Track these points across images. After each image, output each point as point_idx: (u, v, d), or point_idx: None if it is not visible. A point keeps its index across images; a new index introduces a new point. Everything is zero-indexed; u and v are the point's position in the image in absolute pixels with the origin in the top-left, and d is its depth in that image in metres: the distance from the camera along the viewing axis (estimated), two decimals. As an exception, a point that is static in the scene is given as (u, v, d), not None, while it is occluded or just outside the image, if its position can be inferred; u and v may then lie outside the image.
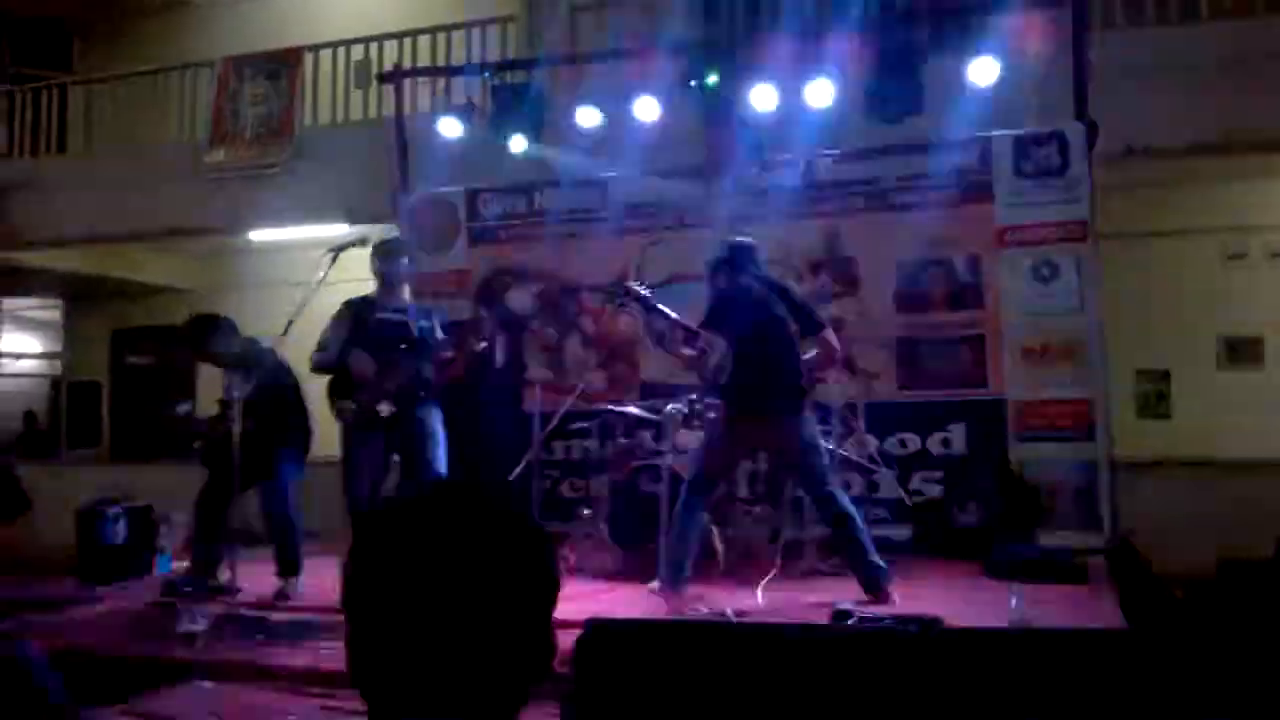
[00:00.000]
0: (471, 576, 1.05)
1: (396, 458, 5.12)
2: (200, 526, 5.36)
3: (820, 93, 6.66)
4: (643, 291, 5.11)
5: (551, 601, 1.14)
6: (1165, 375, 8.63)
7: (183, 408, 5.50)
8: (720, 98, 6.98)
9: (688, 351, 4.89)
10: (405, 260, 5.27)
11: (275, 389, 5.10)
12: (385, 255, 5.14)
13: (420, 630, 1.03)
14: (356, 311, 5.11)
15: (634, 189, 7.22)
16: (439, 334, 5.11)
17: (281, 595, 5.07)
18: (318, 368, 5.06)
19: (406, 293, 5.26)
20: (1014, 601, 3.99)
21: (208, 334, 5.29)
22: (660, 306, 5.05)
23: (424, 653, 1.03)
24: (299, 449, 5.32)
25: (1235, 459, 7.20)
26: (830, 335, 4.80)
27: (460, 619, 1.03)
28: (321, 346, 5.07)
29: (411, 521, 1.09)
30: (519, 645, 1.07)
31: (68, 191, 9.98)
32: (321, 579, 5.42)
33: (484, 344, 5.12)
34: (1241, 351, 8.54)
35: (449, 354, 5.02)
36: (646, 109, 7.08)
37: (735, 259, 4.87)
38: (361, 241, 5.10)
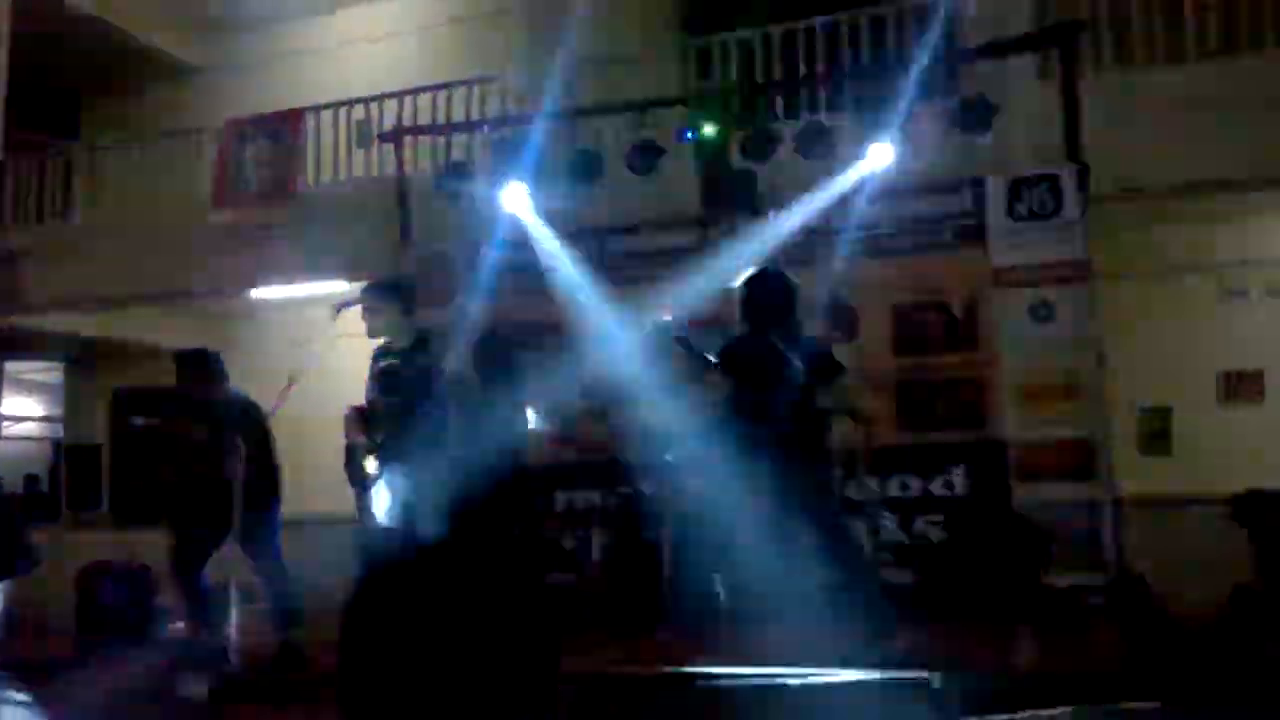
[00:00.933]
0: (475, 633, 1.04)
1: None
2: (185, 590, 5.33)
3: (814, 141, 6.74)
4: (678, 331, 5.13)
5: (555, 656, 1.13)
6: (1166, 412, 8.61)
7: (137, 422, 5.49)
8: (715, 149, 7.07)
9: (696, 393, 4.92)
10: (390, 299, 5.04)
11: (261, 440, 5.14)
12: (367, 293, 5.08)
13: (420, 689, 1.02)
14: (373, 361, 5.07)
15: (630, 239, 7.27)
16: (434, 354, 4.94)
17: (283, 654, 5.02)
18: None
19: (405, 330, 5.09)
20: (1023, 644, 3.95)
21: (198, 364, 5.33)
22: (695, 347, 5.06)
23: (425, 711, 1.02)
24: (277, 502, 5.32)
25: (1237, 494, 7.14)
26: (847, 383, 4.80)
27: (461, 676, 1.03)
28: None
29: (415, 578, 1.09)
30: (522, 701, 1.06)
31: (72, 256, 10.08)
32: (321, 638, 5.39)
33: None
34: (1242, 387, 8.53)
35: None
36: (643, 161, 7.16)
37: (754, 306, 4.85)
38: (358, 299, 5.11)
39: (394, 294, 5.14)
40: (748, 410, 4.67)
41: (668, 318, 5.35)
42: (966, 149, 6.77)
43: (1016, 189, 6.45)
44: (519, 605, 1.11)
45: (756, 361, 4.65)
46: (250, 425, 4.94)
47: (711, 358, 4.95)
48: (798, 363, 4.62)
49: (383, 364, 4.98)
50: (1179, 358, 8.37)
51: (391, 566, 1.18)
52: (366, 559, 4.69)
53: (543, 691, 1.10)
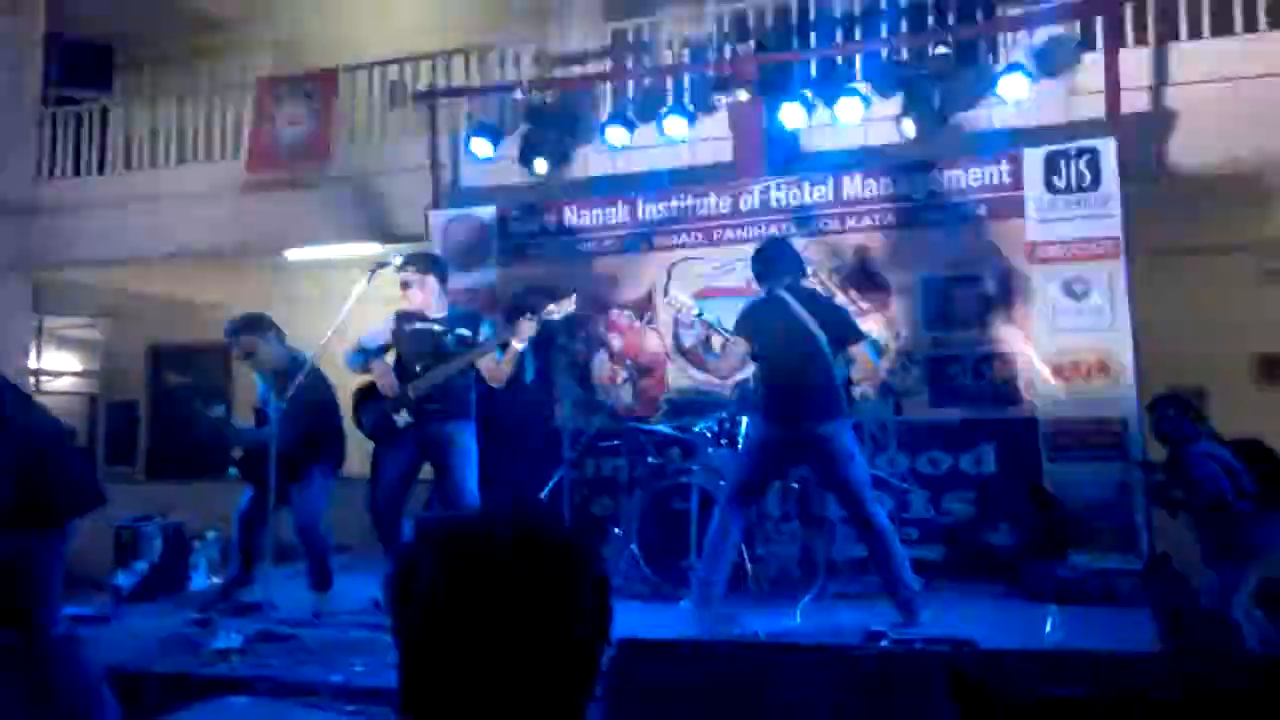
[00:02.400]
0: (526, 604, 1.04)
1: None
2: (243, 541, 5.40)
3: (849, 109, 6.67)
4: (685, 300, 5.14)
5: (604, 626, 1.14)
6: (1200, 393, 8.52)
7: (216, 410, 5.49)
8: (750, 114, 7.01)
9: (714, 361, 4.92)
10: (429, 269, 5.16)
11: (312, 402, 5.14)
12: (407, 265, 5.14)
13: (474, 656, 1.03)
14: (399, 322, 5.14)
15: (663, 205, 7.26)
16: (484, 336, 5.00)
17: (316, 612, 5.10)
18: (352, 367, 5.11)
19: (439, 301, 5.15)
20: (1049, 623, 3.95)
21: (257, 329, 5.36)
22: (711, 321, 5.08)
23: (477, 679, 1.03)
24: (331, 464, 5.35)
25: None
26: (866, 348, 4.78)
27: (513, 645, 1.03)
28: (356, 346, 5.11)
29: (468, 547, 1.09)
30: (570, 670, 1.07)
31: (108, 211, 10.15)
32: (355, 595, 5.47)
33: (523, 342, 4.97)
34: (1277, 369, 8.42)
35: (499, 360, 4.92)
36: (675, 126, 7.13)
37: (767, 265, 4.84)
38: (397, 260, 5.15)
39: (435, 265, 5.21)
40: (767, 376, 4.66)
41: (682, 297, 5.33)
42: (1004, 120, 6.68)
43: (1054, 162, 6.36)
44: (571, 576, 1.10)
45: (773, 323, 4.64)
46: (297, 388, 4.95)
47: (721, 325, 4.95)
48: (814, 324, 4.59)
49: (418, 325, 5.04)
50: (1214, 338, 8.27)
51: (449, 531, 1.16)
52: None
53: (586, 663, 1.10)
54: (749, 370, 4.97)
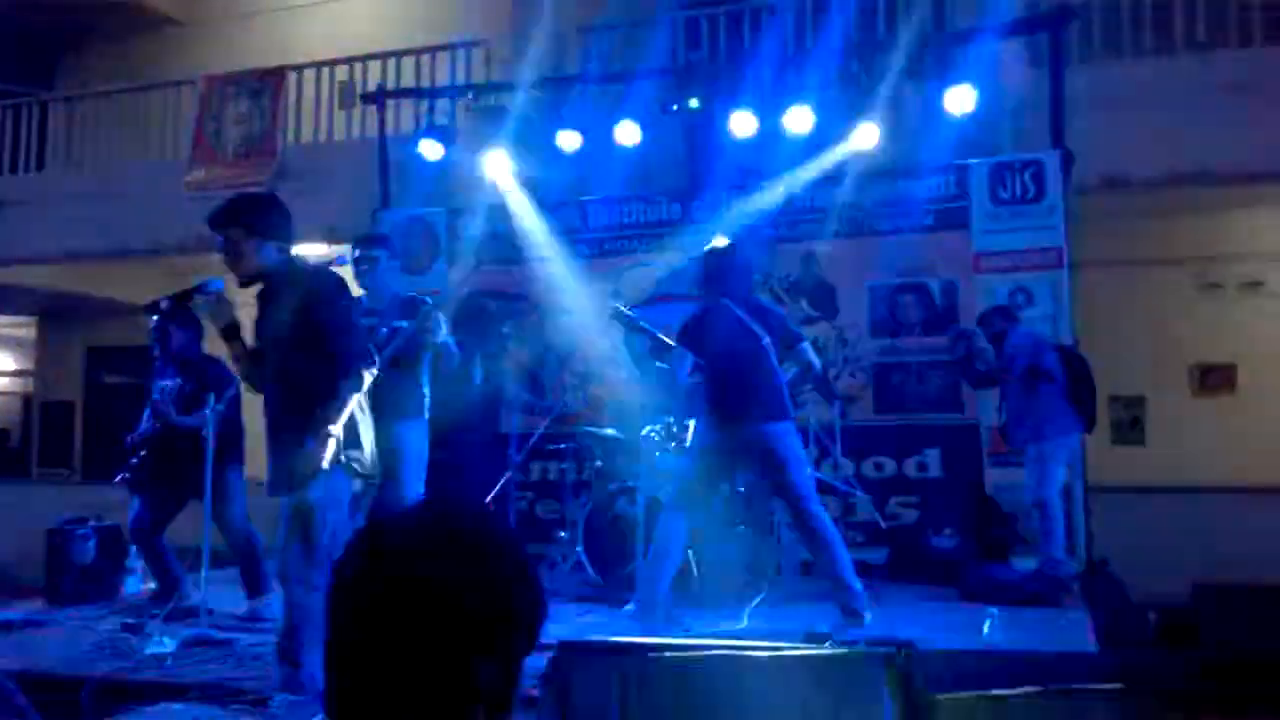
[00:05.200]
0: (444, 591, 1.02)
1: None
2: (147, 556, 5.32)
3: (799, 119, 6.72)
4: (628, 312, 5.11)
5: (536, 624, 1.12)
6: (1140, 401, 8.72)
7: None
8: (701, 122, 7.04)
9: (661, 366, 4.91)
10: (366, 244, 5.00)
11: (232, 403, 5.11)
12: (363, 245, 5.02)
13: (392, 647, 1.01)
14: None
15: (614, 211, 7.26)
16: (423, 322, 4.80)
17: (253, 616, 5.00)
18: None
19: (372, 280, 4.94)
20: (988, 625, 4.00)
21: (176, 315, 5.20)
22: (644, 324, 5.06)
23: (396, 671, 1.01)
24: (242, 463, 5.27)
25: (1209, 484, 7.26)
26: (807, 348, 4.81)
27: (440, 644, 1.01)
28: None
29: (400, 541, 1.07)
30: (500, 672, 1.05)
31: (46, 208, 9.93)
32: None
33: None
34: (1215, 379, 8.64)
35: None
36: (627, 132, 7.13)
37: (712, 273, 4.86)
38: (340, 262, 5.06)
39: (387, 245, 5.10)
40: (713, 381, 4.67)
41: (617, 304, 5.32)
42: (950, 132, 6.77)
43: (999, 173, 6.46)
44: (504, 571, 1.08)
45: (717, 330, 4.65)
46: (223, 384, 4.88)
47: (664, 337, 4.94)
48: (758, 329, 4.63)
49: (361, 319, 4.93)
50: (1154, 348, 8.47)
51: (383, 526, 1.14)
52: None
53: (510, 666, 1.08)
54: (695, 377, 4.97)
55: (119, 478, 5.35)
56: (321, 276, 3.78)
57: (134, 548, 5.52)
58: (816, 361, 4.84)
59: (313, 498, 3.44)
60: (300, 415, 3.46)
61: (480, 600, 1.04)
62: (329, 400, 3.43)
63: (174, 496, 5.22)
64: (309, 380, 3.49)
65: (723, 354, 4.62)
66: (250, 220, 3.72)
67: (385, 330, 4.77)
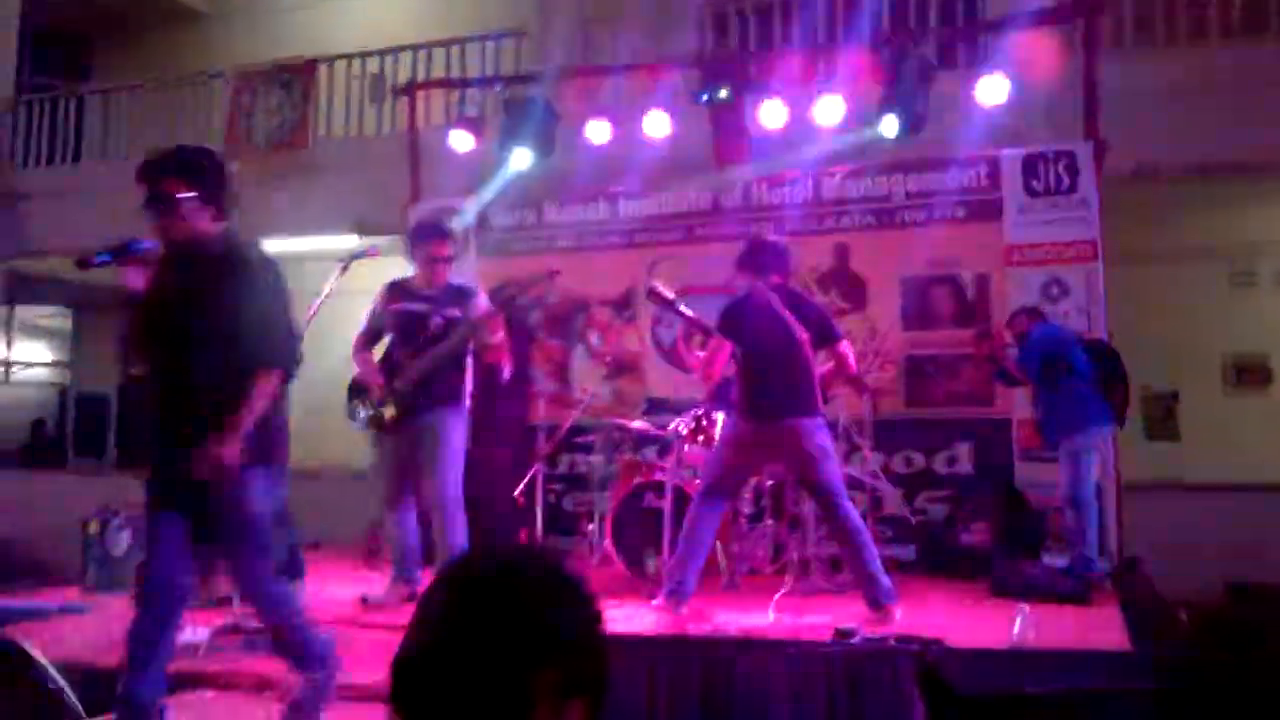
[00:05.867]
0: (516, 634, 1.10)
1: None
2: None
3: (829, 109, 6.68)
4: (664, 290, 5.09)
5: (597, 661, 1.17)
6: (1174, 396, 8.61)
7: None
8: (730, 112, 7.01)
9: (698, 353, 4.88)
10: (446, 240, 5.00)
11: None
12: (419, 236, 5.04)
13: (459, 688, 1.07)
14: (388, 300, 5.02)
15: (643, 203, 7.25)
16: (479, 311, 4.82)
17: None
18: (353, 355, 5.01)
19: (446, 274, 4.97)
20: (1018, 622, 3.96)
21: None
22: (682, 307, 5.04)
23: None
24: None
25: (1243, 481, 7.16)
26: (846, 348, 4.78)
27: (500, 675, 1.07)
28: (358, 335, 5.02)
29: (468, 582, 1.16)
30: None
31: (82, 200, 10.05)
32: (328, 590, 5.43)
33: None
34: (1249, 373, 8.52)
35: (494, 335, 4.79)
36: (656, 123, 7.11)
37: (757, 259, 4.83)
38: (370, 252, 5.08)
39: (454, 237, 5.11)
40: (747, 373, 4.65)
41: (655, 282, 5.26)
42: (982, 122, 6.70)
43: (1033, 164, 6.39)
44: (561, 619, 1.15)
45: (755, 320, 4.63)
46: None
47: (699, 318, 4.92)
48: (795, 322, 4.59)
49: (406, 306, 4.93)
50: (1187, 342, 8.36)
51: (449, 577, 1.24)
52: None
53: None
54: (729, 369, 4.95)
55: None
56: (266, 261, 3.30)
57: None
58: (853, 361, 4.82)
59: (238, 499, 3.18)
60: (209, 413, 3.07)
61: (549, 652, 1.11)
62: (244, 399, 3.06)
63: None
64: (223, 375, 3.08)
65: (759, 345, 4.59)
66: (194, 175, 3.27)
67: (439, 319, 4.81)
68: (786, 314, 4.59)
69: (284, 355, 3.21)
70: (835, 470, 4.61)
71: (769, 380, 4.57)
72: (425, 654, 1.12)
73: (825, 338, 4.70)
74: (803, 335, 4.58)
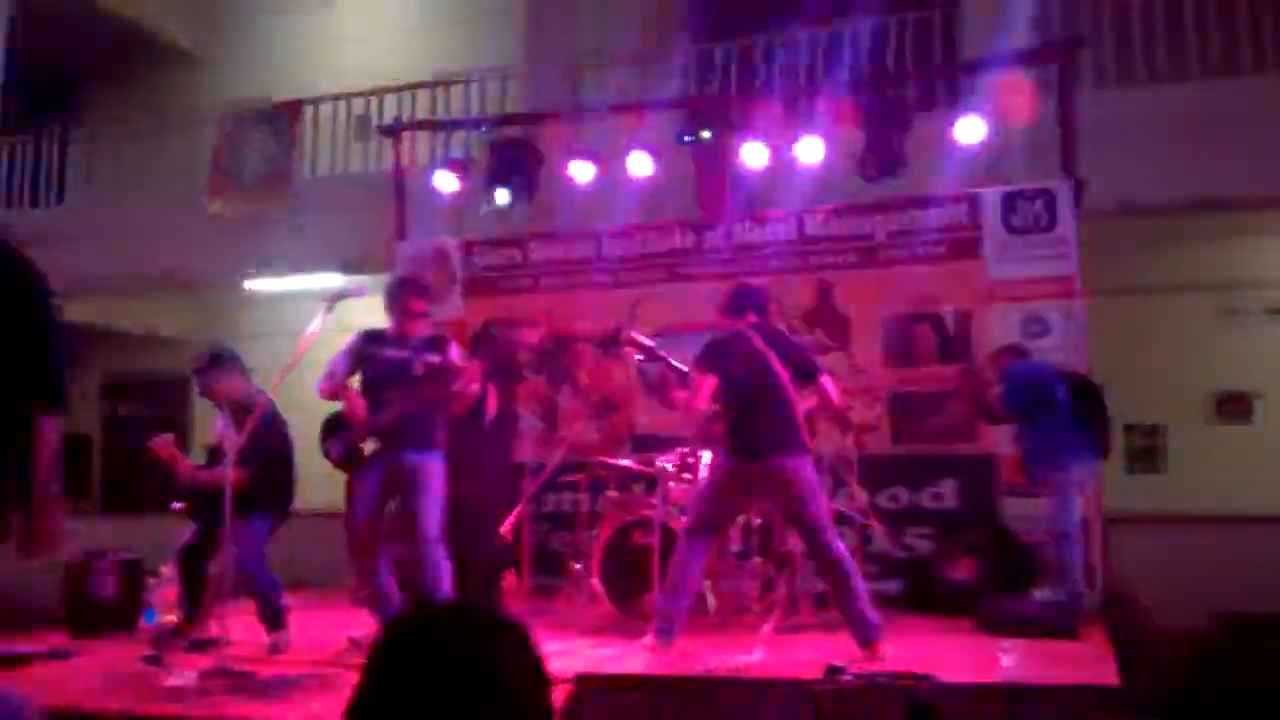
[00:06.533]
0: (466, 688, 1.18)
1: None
2: (184, 579, 5.32)
3: (811, 150, 6.77)
4: (641, 339, 5.12)
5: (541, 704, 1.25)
6: (1158, 430, 8.68)
7: (160, 439, 5.32)
8: (713, 153, 7.09)
9: (680, 394, 4.90)
10: (421, 295, 5.04)
11: (265, 443, 5.05)
12: (395, 289, 5.09)
13: None
14: (365, 345, 5.04)
15: (627, 242, 7.31)
16: (453, 360, 4.84)
17: (274, 649, 5.01)
18: (322, 394, 4.99)
19: (421, 324, 5.08)
20: (1006, 658, 3.97)
21: (222, 364, 5.27)
22: (660, 353, 5.07)
23: None
24: (274, 511, 5.21)
25: (1228, 513, 7.22)
26: (828, 383, 4.80)
27: None
28: (328, 375, 5.01)
29: (412, 640, 1.24)
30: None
31: (65, 241, 10.03)
32: (313, 631, 5.39)
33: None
34: (1233, 406, 8.60)
35: (465, 381, 4.75)
36: (640, 163, 7.19)
37: (734, 303, 4.88)
38: (356, 291, 5.11)
39: (430, 293, 5.13)
40: (731, 411, 4.67)
41: (630, 331, 5.30)
42: (962, 161, 6.81)
43: (1012, 202, 6.49)
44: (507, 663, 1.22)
45: (737, 358, 4.66)
46: (253, 426, 4.83)
47: (677, 363, 4.96)
48: (777, 359, 4.62)
49: (387, 351, 4.95)
50: (1173, 376, 8.44)
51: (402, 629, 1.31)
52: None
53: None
54: (711, 407, 4.98)
55: (178, 506, 5.37)
56: (34, 265, 2.65)
57: (173, 569, 5.51)
58: (835, 395, 4.84)
59: None
60: None
61: (490, 697, 1.19)
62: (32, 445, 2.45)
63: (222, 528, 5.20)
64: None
65: (741, 384, 4.62)
66: None
67: (420, 365, 4.83)
68: (767, 351, 4.63)
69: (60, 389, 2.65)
70: (822, 506, 4.62)
71: (752, 418, 4.60)
72: (373, 704, 1.20)
73: (805, 374, 4.74)
74: (784, 372, 4.61)
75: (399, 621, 1.29)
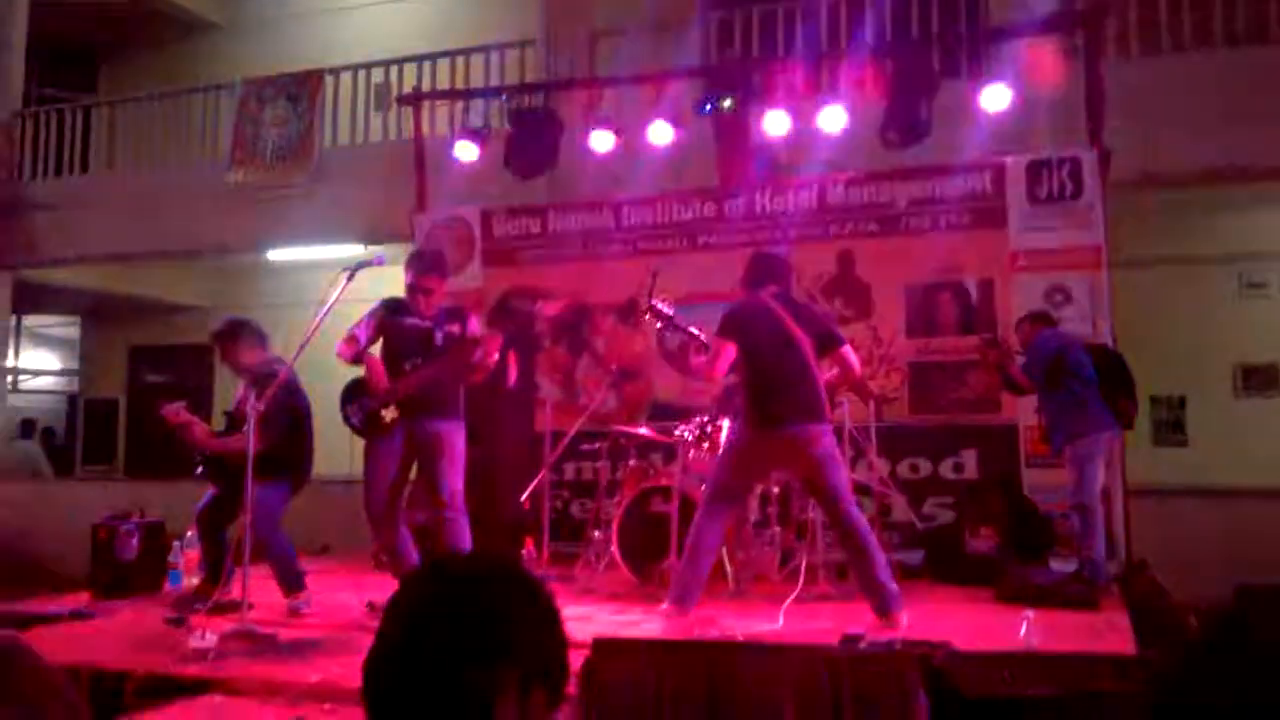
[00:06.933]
0: (478, 632, 1.17)
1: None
2: (205, 542, 5.38)
3: (833, 117, 6.71)
4: (663, 307, 5.10)
5: (555, 656, 1.24)
6: (1181, 402, 8.61)
7: (170, 407, 5.36)
8: (734, 121, 7.04)
9: (698, 359, 4.88)
10: (433, 273, 5.03)
11: (284, 411, 5.08)
12: (410, 264, 5.11)
13: (426, 684, 1.15)
14: (387, 313, 5.07)
15: (647, 211, 7.28)
16: (473, 331, 4.88)
17: (293, 612, 5.06)
18: (342, 357, 5.00)
19: (436, 300, 5.12)
20: (1025, 627, 3.96)
21: (240, 334, 5.32)
22: (678, 322, 5.05)
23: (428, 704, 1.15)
24: (289, 480, 5.24)
25: (1251, 486, 7.15)
26: (849, 352, 4.78)
27: (465, 669, 1.15)
28: (349, 339, 5.03)
29: (430, 584, 1.25)
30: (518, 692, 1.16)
31: (89, 211, 10.11)
32: (334, 596, 5.45)
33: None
34: (1258, 379, 8.51)
35: (484, 352, 4.76)
36: (661, 132, 7.14)
37: (755, 273, 4.86)
38: (375, 261, 5.11)
39: (444, 266, 5.15)
40: (752, 380, 4.66)
41: (653, 300, 5.25)
42: (986, 129, 6.73)
43: (1037, 171, 6.41)
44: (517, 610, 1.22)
45: (758, 327, 4.64)
46: (271, 395, 4.84)
47: (698, 333, 4.94)
48: (799, 329, 4.60)
49: (409, 320, 4.96)
50: (1195, 349, 8.36)
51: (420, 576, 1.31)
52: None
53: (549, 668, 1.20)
54: (731, 377, 4.97)
55: (198, 471, 5.42)
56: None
57: (192, 532, 5.58)
58: (856, 364, 4.82)
59: None
60: None
61: (500, 650, 1.17)
62: None
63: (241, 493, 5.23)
64: None
65: (762, 353, 4.60)
66: None
67: (442, 334, 4.86)
68: (788, 320, 4.60)
69: None
70: (842, 475, 4.62)
71: (773, 388, 4.58)
72: (392, 654, 1.19)
73: (827, 344, 4.71)
74: (804, 341, 4.59)
75: (416, 573, 1.30)
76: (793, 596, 4.96)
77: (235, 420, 5.32)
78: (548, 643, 1.24)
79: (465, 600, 1.21)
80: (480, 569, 1.28)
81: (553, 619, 1.26)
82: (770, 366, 4.59)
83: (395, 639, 1.20)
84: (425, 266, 5.05)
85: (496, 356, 4.84)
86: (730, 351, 4.65)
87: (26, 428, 11.65)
